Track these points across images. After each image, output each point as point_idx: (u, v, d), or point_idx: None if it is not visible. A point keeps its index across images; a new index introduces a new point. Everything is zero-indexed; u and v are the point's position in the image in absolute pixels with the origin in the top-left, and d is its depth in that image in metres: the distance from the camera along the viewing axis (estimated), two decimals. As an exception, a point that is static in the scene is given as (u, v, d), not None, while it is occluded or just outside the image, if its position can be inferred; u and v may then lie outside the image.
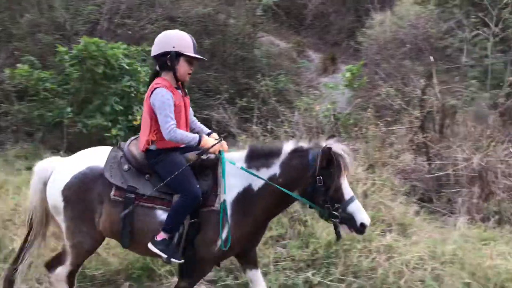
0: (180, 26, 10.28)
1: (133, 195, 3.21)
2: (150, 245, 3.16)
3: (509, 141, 6.31)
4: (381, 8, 11.39)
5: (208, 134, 3.48)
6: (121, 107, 7.25)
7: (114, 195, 3.23)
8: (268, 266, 4.16)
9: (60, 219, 3.33)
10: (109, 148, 3.48)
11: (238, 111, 8.87)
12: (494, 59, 8.09)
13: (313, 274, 4.09)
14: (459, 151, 6.00)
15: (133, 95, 7.40)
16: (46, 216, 3.46)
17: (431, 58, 7.12)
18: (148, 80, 3.53)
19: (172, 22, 10.28)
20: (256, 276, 3.49)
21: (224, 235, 3.15)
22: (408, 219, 4.99)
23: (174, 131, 3.13)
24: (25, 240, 3.51)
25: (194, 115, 3.62)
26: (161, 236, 3.15)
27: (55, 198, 3.31)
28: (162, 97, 3.14)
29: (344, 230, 3.15)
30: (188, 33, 3.38)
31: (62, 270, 3.40)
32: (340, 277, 4.11)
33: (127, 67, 7.36)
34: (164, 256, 3.12)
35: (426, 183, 6.23)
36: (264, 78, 9.30)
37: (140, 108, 7.16)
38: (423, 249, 4.35)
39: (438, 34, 8.58)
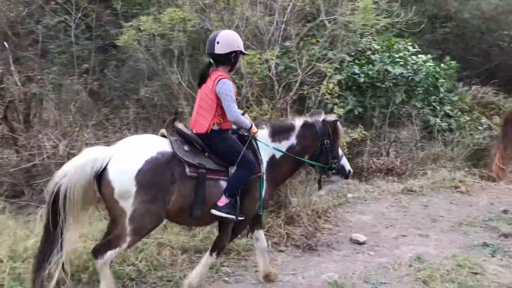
0: None
1: (204, 170, 3.67)
2: (214, 211, 3.73)
3: (93, 125, 6.65)
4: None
5: (243, 114, 4.07)
6: None
7: (190, 172, 3.61)
8: None
9: (128, 203, 3.39)
10: (152, 135, 3.87)
11: None
12: (80, 46, 8.28)
13: None
14: (46, 140, 5.90)
15: None
16: (85, 200, 3.45)
17: (5, 44, 6.66)
18: None
19: None
20: (261, 235, 4.32)
21: (263, 194, 4.00)
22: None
23: (239, 115, 3.83)
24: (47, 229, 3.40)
25: None
26: (224, 201, 3.74)
27: (126, 183, 3.37)
28: (229, 86, 3.74)
29: (337, 179, 4.70)
30: None
31: (111, 254, 3.46)
32: None
33: None
34: (232, 217, 3.76)
35: (15, 177, 5.87)
36: None
37: None
38: (3, 249, 4.06)
39: (18, 19, 8.07)
